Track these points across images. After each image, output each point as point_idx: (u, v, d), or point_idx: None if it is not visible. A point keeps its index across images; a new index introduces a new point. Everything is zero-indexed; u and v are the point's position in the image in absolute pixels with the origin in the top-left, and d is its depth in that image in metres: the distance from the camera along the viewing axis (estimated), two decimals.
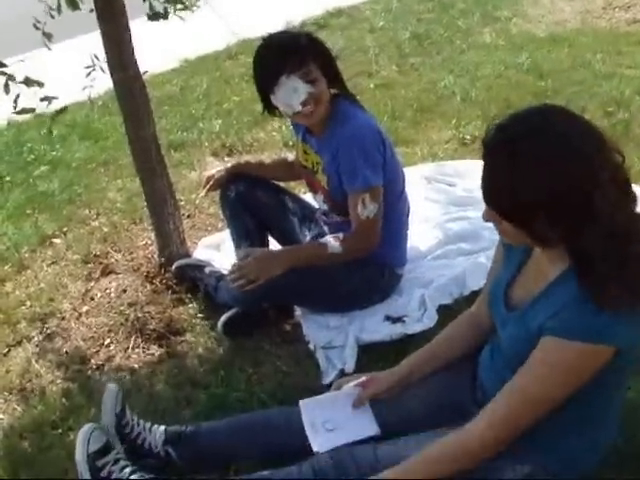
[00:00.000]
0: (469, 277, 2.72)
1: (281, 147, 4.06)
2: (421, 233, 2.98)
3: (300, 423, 1.91)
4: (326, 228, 2.70)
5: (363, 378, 1.94)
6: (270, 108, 2.45)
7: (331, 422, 1.87)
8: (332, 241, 2.41)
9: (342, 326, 2.56)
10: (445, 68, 4.90)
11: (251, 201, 2.79)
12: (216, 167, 3.04)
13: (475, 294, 2.67)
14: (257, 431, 2.02)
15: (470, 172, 3.45)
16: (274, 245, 2.88)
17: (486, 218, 1.54)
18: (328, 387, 2.27)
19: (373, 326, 2.52)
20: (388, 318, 2.56)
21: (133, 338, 2.66)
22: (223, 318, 2.59)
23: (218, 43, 5.69)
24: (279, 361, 2.48)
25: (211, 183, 2.84)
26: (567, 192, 1.37)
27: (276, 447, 1.98)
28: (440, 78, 4.70)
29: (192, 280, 2.84)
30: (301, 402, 1.90)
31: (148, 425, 2.06)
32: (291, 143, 4.03)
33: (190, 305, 2.79)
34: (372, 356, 2.43)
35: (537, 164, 1.38)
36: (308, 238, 2.77)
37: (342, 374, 2.34)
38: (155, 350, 2.62)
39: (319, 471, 1.77)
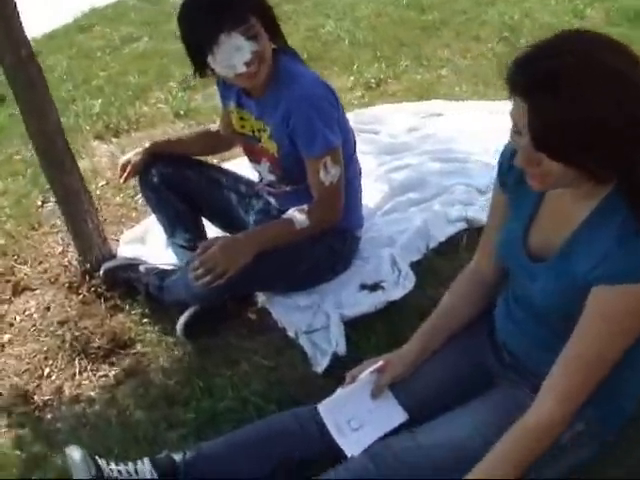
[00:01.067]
0: (432, 228, 2.57)
1: (172, 119, 3.70)
2: (364, 189, 2.76)
3: (318, 425, 1.71)
4: (273, 200, 2.43)
5: (378, 364, 1.72)
6: (203, 70, 2.12)
7: (356, 419, 1.68)
8: (298, 215, 2.15)
9: (314, 304, 2.33)
10: (320, 13, 4.68)
11: (178, 182, 2.48)
12: (121, 152, 2.68)
13: (442, 245, 2.54)
14: (272, 443, 1.75)
15: (388, 116, 3.28)
16: (211, 230, 2.58)
17: (525, 163, 1.35)
18: (323, 375, 2.09)
19: (351, 298, 2.31)
20: (364, 287, 2.35)
21: (77, 361, 2.30)
22: (182, 319, 2.27)
23: (64, 17, 5.13)
24: (256, 356, 2.21)
25: (128, 169, 2.49)
26: (622, 119, 1.25)
27: (298, 457, 1.74)
28: (319, 24, 4.48)
29: (126, 283, 2.49)
30: (319, 407, 1.68)
31: (132, 467, 1.73)
32: (182, 112, 3.70)
33: (132, 311, 2.45)
34: (359, 331, 2.22)
35: (588, 94, 1.25)
36: (252, 215, 2.49)
37: (335, 357, 2.12)
38: (107, 370, 2.27)
39: (359, 474, 1.58)
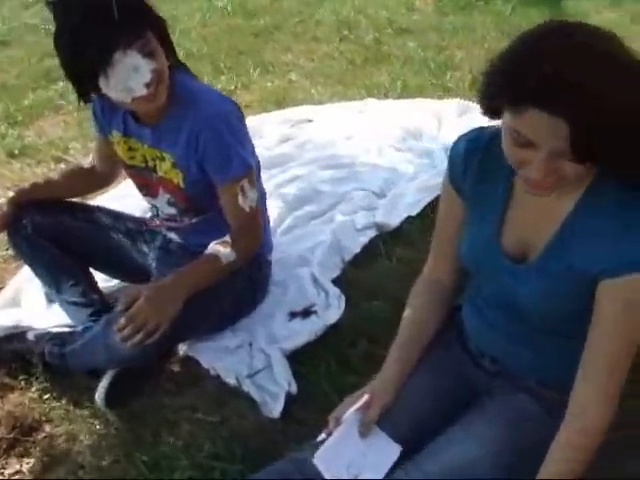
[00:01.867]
0: (343, 240, 2.46)
1: (7, 159, 3.26)
2: None
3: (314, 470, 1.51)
4: (173, 235, 2.18)
5: (362, 400, 1.56)
6: (88, 97, 1.83)
7: (353, 465, 1.52)
8: (222, 249, 1.93)
9: (244, 343, 2.12)
10: None
11: (55, 231, 2.17)
12: None
13: (357, 257, 2.43)
14: None
15: (256, 129, 3.10)
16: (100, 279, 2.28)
17: (545, 176, 1.23)
18: (281, 420, 1.90)
19: (284, 330, 2.12)
20: (294, 315, 2.19)
21: None
22: (102, 387, 1.95)
23: None
24: (196, 413, 1.95)
25: None
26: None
27: None
28: None
29: (13, 356, 2.13)
30: (315, 460, 1.49)
31: None
32: (17, 151, 3.28)
33: (29, 388, 2.08)
34: (304, 363, 2.05)
35: (610, 86, 1.16)
36: (150, 255, 2.22)
37: (289, 397, 1.92)
38: (18, 465, 1.90)
39: None
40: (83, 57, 1.69)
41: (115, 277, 2.34)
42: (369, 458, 1.53)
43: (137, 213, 2.51)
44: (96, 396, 1.97)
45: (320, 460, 1.48)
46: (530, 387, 1.57)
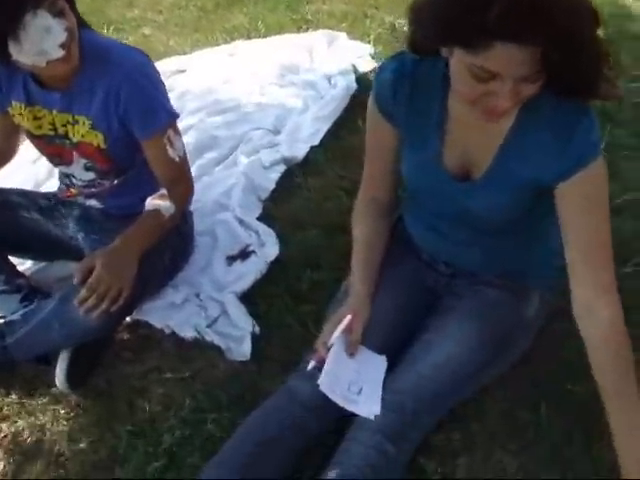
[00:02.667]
0: (255, 179, 2.46)
1: None
2: None
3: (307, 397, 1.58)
4: (94, 202, 2.08)
5: (345, 321, 1.59)
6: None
7: (353, 384, 1.58)
8: (161, 203, 1.87)
9: (190, 296, 2.08)
10: None
11: None
12: None
13: (273, 193, 2.44)
14: (288, 440, 1.56)
15: None
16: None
17: (512, 103, 1.26)
18: (252, 361, 1.91)
19: (228, 276, 2.11)
20: (232, 259, 2.17)
21: None
22: (62, 370, 1.86)
23: None
24: (166, 373, 1.91)
25: None
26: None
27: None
28: None
29: None
30: (321, 387, 1.51)
31: None
32: None
33: None
34: (256, 303, 2.06)
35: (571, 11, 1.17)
36: (71, 228, 2.11)
37: (254, 337, 1.94)
38: None
39: (389, 428, 1.51)
40: None
41: (39, 259, 2.21)
42: (363, 374, 1.59)
43: (30, 187, 2.38)
44: (56, 380, 1.87)
45: (324, 386, 1.51)
46: (490, 281, 1.68)
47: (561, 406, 1.71)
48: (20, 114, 1.90)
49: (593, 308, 1.38)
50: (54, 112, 1.86)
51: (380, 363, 1.63)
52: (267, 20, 3.47)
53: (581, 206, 1.39)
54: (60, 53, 1.64)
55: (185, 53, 3.26)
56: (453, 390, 1.60)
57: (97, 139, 1.86)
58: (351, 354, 1.60)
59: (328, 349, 1.56)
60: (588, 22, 1.20)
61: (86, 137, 1.87)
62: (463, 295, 1.69)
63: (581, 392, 1.72)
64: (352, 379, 1.57)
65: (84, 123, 1.84)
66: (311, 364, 1.56)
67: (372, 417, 1.51)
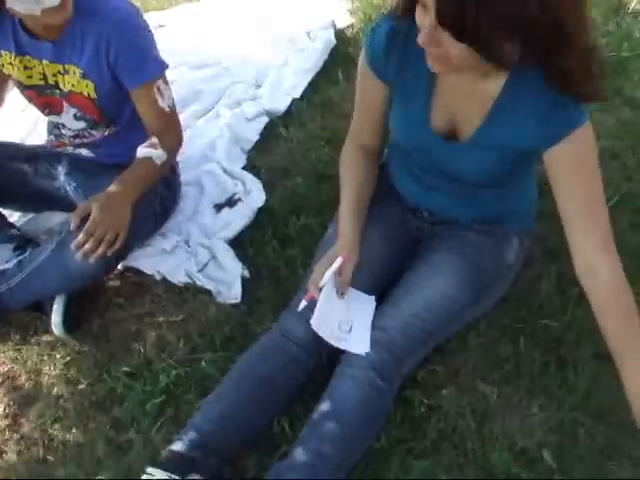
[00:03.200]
0: (239, 132, 2.49)
1: None
2: None
3: (300, 346, 1.66)
4: (84, 151, 2.10)
5: (337, 262, 1.63)
6: None
7: (343, 322, 1.64)
8: (153, 151, 1.89)
9: (180, 243, 2.13)
10: None
11: None
12: None
13: (257, 144, 2.48)
14: (275, 385, 1.64)
15: None
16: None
17: (426, 43, 1.30)
18: (243, 303, 1.97)
19: (217, 223, 2.17)
20: (220, 207, 2.22)
21: None
22: (58, 315, 1.91)
23: None
24: (159, 317, 1.98)
25: None
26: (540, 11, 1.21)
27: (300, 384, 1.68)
28: None
29: None
30: (312, 326, 1.56)
31: None
32: None
33: None
34: (244, 248, 2.12)
35: None
36: (61, 179, 2.13)
37: (244, 280, 2.00)
38: None
39: (381, 365, 1.59)
40: None
41: (27, 210, 2.23)
42: (353, 313, 1.65)
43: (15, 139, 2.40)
44: (52, 325, 1.92)
45: (316, 324, 1.57)
46: (471, 226, 1.75)
47: (538, 340, 1.81)
48: (10, 64, 1.91)
49: (593, 266, 1.42)
50: (44, 62, 1.87)
51: (369, 303, 1.69)
52: None
53: (571, 169, 1.44)
54: (56, 1, 1.66)
55: (162, 9, 3.26)
56: (440, 327, 1.67)
57: (87, 89, 1.88)
58: (342, 294, 1.66)
59: (319, 289, 1.61)
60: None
61: (77, 87, 1.89)
62: (445, 237, 1.76)
63: (556, 327, 1.83)
64: (342, 318, 1.63)
65: (74, 72, 1.86)
66: (302, 304, 1.61)
67: (363, 354, 1.57)
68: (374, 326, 1.63)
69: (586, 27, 1.30)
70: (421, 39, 1.29)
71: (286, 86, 2.65)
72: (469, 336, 1.81)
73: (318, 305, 1.59)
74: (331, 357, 1.65)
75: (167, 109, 1.93)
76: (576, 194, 1.45)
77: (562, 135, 1.40)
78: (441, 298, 1.65)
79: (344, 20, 3.03)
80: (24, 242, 2.07)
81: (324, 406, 1.56)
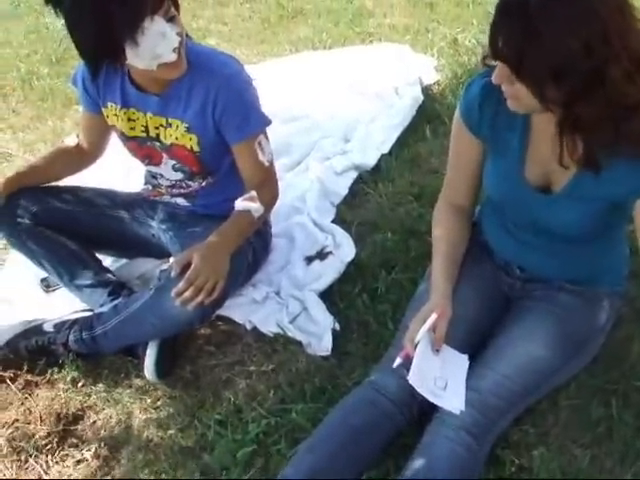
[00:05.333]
0: (329, 185, 2.53)
1: None
2: None
3: (391, 400, 1.64)
4: (181, 201, 2.16)
5: (432, 318, 1.63)
6: (99, 71, 1.79)
7: (439, 379, 1.63)
8: (251, 204, 1.94)
9: (270, 294, 2.15)
10: None
11: (55, 217, 2.12)
12: None
13: (346, 198, 2.50)
14: (367, 441, 1.62)
15: None
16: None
17: (497, 79, 1.39)
18: (333, 356, 1.96)
19: (308, 275, 2.18)
20: (310, 259, 2.24)
21: (33, 461, 1.83)
22: (151, 359, 1.94)
23: None
24: (250, 366, 1.99)
25: None
26: (579, 52, 1.27)
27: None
28: None
29: (32, 352, 2.05)
30: (410, 381, 1.56)
31: None
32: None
33: (58, 381, 2.02)
34: (335, 301, 2.12)
35: (552, 22, 1.27)
36: (156, 227, 2.19)
37: (334, 333, 2.00)
38: (77, 453, 1.85)
39: (473, 426, 1.56)
40: (111, 30, 1.64)
41: (120, 256, 2.31)
42: (447, 370, 1.64)
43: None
44: (145, 370, 1.95)
45: (414, 380, 1.56)
46: (563, 286, 1.73)
47: (631, 402, 1.76)
48: (115, 115, 1.99)
49: None
50: (148, 115, 1.95)
51: (463, 361, 1.68)
52: (331, 32, 3.56)
53: None
54: (173, 57, 1.74)
55: (252, 63, 3.36)
56: (531, 389, 1.65)
57: (191, 142, 1.94)
58: (436, 351, 1.65)
59: (415, 346, 1.61)
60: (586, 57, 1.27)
61: (180, 140, 1.95)
62: (537, 299, 1.75)
63: None
64: (437, 375, 1.62)
65: (178, 126, 1.93)
66: (397, 361, 1.61)
67: (457, 412, 1.56)
68: (467, 386, 1.61)
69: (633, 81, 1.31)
70: (494, 76, 1.38)
71: (375, 141, 2.68)
72: (560, 397, 1.77)
73: (415, 361, 1.59)
74: (422, 412, 1.64)
75: (267, 164, 1.98)
76: None
77: None
78: (533, 361, 1.64)
79: (431, 77, 3.08)
80: (119, 287, 2.12)
81: (417, 464, 1.54)
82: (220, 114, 1.88)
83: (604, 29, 1.26)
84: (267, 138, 1.99)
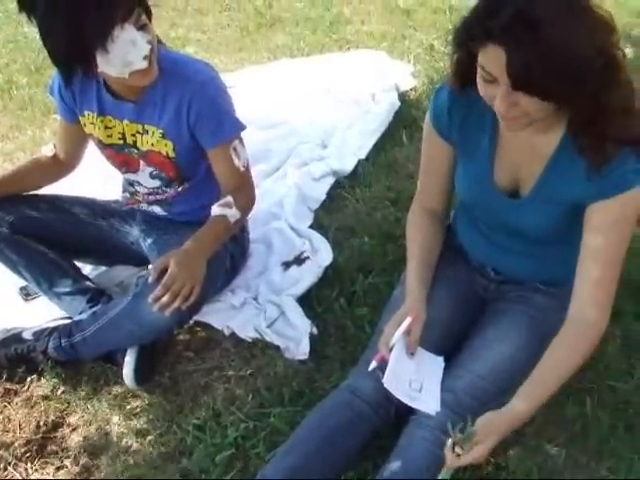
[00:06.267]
0: (306, 191, 2.55)
1: None
2: None
3: (367, 403, 1.67)
4: (157, 209, 2.18)
5: (406, 322, 1.65)
6: (72, 77, 1.80)
7: (414, 381, 1.65)
8: (227, 209, 1.95)
9: (248, 299, 2.17)
10: None
11: (33, 227, 2.11)
12: None
13: (324, 203, 2.53)
14: (340, 441, 1.64)
15: None
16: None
17: (506, 108, 1.36)
18: (310, 360, 1.99)
19: (285, 280, 2.20)
20: (288, 264, 2.26)
21: (12, 470, 1.84)
22: (129, 366, 1.95)
23: None
24: (228, 371, 2.00)
25: None
26: (594, 51, 1.29)
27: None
28: None
29: (11, 360, 2.05)
30: (385, 384, 1.58)
31: None
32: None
33: (36, 388, 2.02)
34: (312, 306, 2.14)
35: (565, 30, 1.27)
36: (135, 235, 2.21)
37: (312, 337, 2.02)
38: (57, 461, 1.85)
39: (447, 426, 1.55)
40: (82, 37, 1.66)
41: (99, 264, 2.32)
42: (422, 373, 1.66)
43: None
44: (124, 376, 1.96)
45: (388, 383, 1.58)
46: (537, 288, 1.76)
47: (605, 401, 1.79)
48: (92, 123, 2.01)
49: (584, 314, 1.50)
50: (125, 122, 1.97)
51: (438, 363, 1.70)
52: (309, 40, 3.60)
53: (607, 223, 1.47)
54: (144, 64, 1.76)
55: (230, 71, 3.38)
56: (505, 389, 1.65)
57: (167, 148, 1.96)
58: (411, 354, 1.67)
59: (390, 349, 1.63)
60: (589, 50, 1.28)
61: (156, 146, 1.97)
62: (511, 300, 1.77)
63: (623, 389, 1.81)
64: (413, 377, 1.64)
65: (154, 133, 1.95)
66: (373, 364, 1.63)
67: (433, 413, 1.58)
68: (442, 387, 1.63)
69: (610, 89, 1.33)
70: (501, 108, 1.36)
71: (352, 147, 2.71)
72: None
73: (389, 364, 1.60)
74: (399, 414, 1.66)
75: (242, 169, 2.00)
76: (599, 251, 1.48)
77: (614, 193, 1.43)
78: (506, 361, 1.66)
79: (407, 83, 3.11)
80: (98, 294, 2.13)
81: (394, 466, 1.56)
82: (194, 120, 1.90)
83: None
84: (242, 143, 2.00)
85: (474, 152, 1.62)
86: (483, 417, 1.45)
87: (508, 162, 1.58)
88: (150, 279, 1.81)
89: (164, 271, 1.80)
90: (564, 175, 1.49)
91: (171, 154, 1.97)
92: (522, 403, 1.48)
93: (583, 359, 1.51)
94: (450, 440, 1.45)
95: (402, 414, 1.64)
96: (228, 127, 1.94)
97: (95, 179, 2.66)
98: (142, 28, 1.74)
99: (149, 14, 1.80)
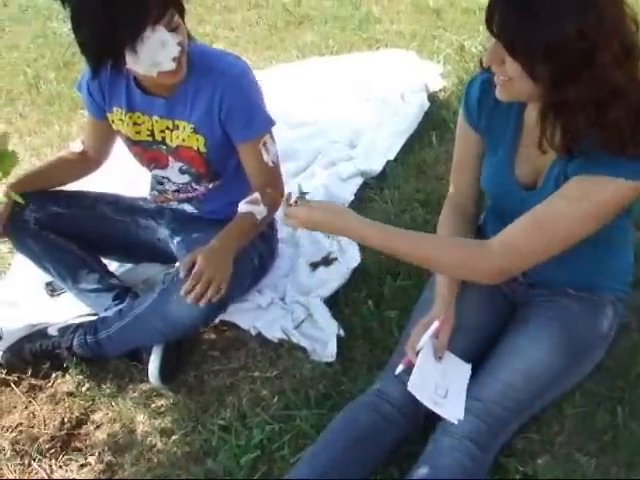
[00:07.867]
0: (334, 191, 2.52)
1: None
2: None
3: (395, 407, 1.64)
4: (187, 206, 2.17)
5: (434, 326, 1.63)
6: (100, 70, 1.79)
7: (440, 387, 1.62)
8: (255, 206, 1.94)
9: (275, 300, 2.15)
10: None
11: (60, 222, 2.10)
12: None
13: (352, 204, 2.50)
14: (367, 447, 1.62)
15: None
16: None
17: (490, 60, 1.40)
18: (337, 362, 1.96)
19: (313, 280, 2.18)
20: (315, 265, 2.24)
21: (36, 465, 1.83)
22: (155, 364, 1.94)
23: None
24: (254, 372, 1.98)
25: None
26: (573, 35, 1.29)
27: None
28: None
29: (36, 356, 2.05)
30: (410, 389, 1.56)
31: None
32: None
33: (61, 384, 2.03)
34: (340, 307, 2.12)
35: (550, 4, 1.30)
36: (163, 232, 2.19)
37: (339, 339, 1.99)
38: (81, 458, 1.84)
39: (475, 434, 1.55)
40: (114, 33, 1.65)
41: (125, 261, 2.31)
42: (449, 378, 1.64)
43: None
44: (149, 374, 1.95)
45: (413, 388, 1.56)
46: (565, 291, 1.72)
47: (636, 411, 1.74)
48: (120, 120, 2.00)
49: (491, 244, 1.52)
50: (154, 118, 1.95)
51: (465, 369, 1.68)
52: (337, 38, 3.57)
53: (571, 194, 1.43)
54: (172, 65, 1.75)
55: (259, 69, 3.36)
56: (535, 397, 1.64)
57: (198, 143, 1.95)
58: (439, 358, 1.65)
59: (417, 353, 1.61)
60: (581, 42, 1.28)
61: (187, 141, 1.95)
62: (541, 305, 1.74)
63: None
64: (439, 382, 1.62)
65: (185, 128, 1.93)
66: (400, 367, 1.62)
67: (455, 421, 1.55)
68: (470, 395, 1.61)
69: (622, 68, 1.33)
70: (487, 57, 1.40)
71: (380, 147, 2.69)
72: (565, 405, 1.76)
73: (415, 368, 1.59)
74: (427, 419, 1.63)
75: (271, 164, 1.98)
76: (550, 209, 1.45)
77: (590, 171, 1.40)
78: (535, 368, 1.63)
79: (437, 83, 3.08)
80: (124, 292, 2.12)
81: (421, 472, 1.53)
82: (226, 114, 1.88)
83: (599, 16, 1.29)
84: (273, 139, 1.99)
85: (499, 142, 1.62)
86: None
87: (529, 155, 1.57)
88: (181, 274, 1.80)
89: (193, 267, 1.79)
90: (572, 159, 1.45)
91: (202, 149, 1.96)
92: (374, 230, 1.55)
93: (456, 268, 1.54)
94: (293, 194, 1.56)
95: (432, 419, 1.61)
96: (259, 122, 1.92)
97: (124, 176, 2.65)
98: (174, 29, 1.73)
99: (182, 13, 1.79)
